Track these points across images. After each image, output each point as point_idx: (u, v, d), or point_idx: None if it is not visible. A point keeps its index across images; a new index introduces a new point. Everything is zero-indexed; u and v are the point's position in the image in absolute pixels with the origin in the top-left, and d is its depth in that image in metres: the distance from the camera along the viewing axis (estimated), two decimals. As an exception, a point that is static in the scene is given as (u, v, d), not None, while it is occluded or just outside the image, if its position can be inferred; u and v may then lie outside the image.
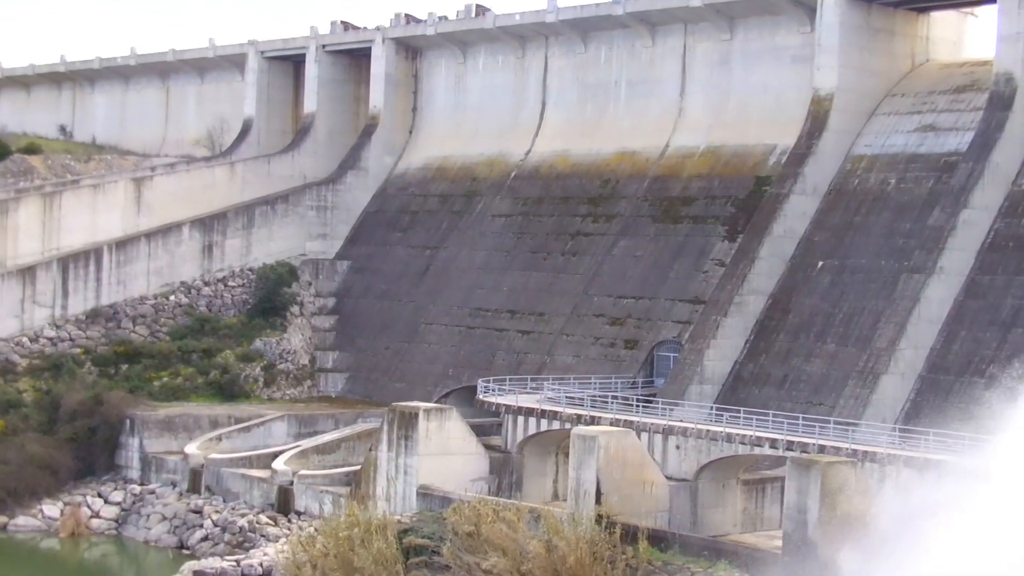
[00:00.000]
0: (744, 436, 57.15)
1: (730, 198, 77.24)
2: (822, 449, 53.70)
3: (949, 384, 61.57)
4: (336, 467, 69.65)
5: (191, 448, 73.46)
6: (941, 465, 48.07)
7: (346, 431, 75.07)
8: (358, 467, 66.12)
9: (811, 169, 72.81)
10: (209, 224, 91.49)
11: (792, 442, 55.19)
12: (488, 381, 70.57)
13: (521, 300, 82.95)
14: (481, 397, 69.15)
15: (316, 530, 54.63)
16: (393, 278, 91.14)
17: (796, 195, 72.34)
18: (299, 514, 66.17)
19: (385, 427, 63.34)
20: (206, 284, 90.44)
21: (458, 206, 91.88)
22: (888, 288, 66.18)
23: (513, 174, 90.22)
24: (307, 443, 73.26)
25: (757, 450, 57.02)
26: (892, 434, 55.94)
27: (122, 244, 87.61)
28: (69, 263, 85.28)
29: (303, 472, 68.24)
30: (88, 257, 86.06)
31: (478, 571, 50.26)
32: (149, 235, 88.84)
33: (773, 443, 55.95)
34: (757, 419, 57.77)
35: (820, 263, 70.65)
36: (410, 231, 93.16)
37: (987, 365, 60.94)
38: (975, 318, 63.21)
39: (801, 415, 58.14)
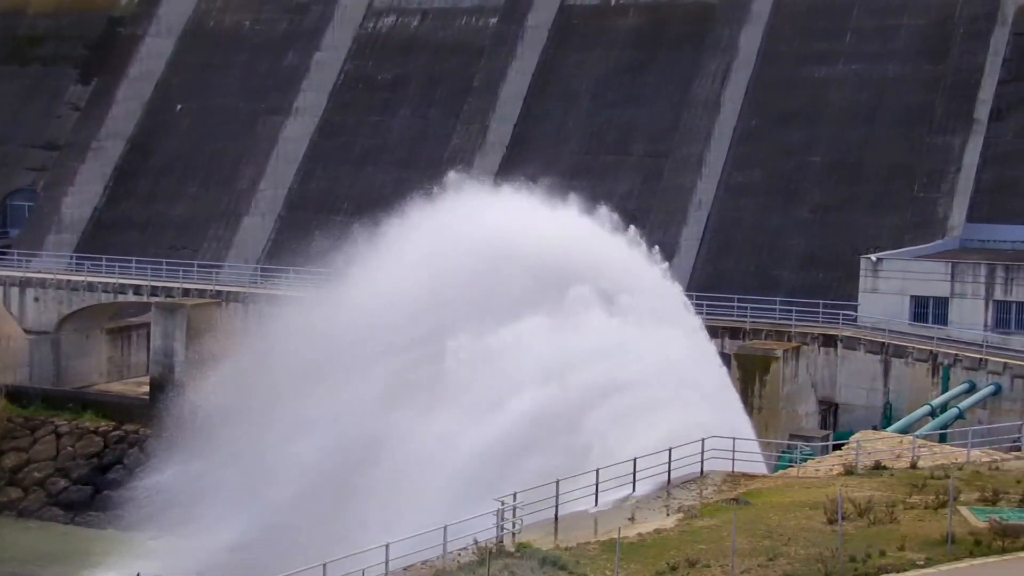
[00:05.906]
0: (107, 284, 56.58)
1: (81, 38, 74.38)
2: (187, 292, 54.22)
3: (307, 221, 63.63)
4: None
5: None
6: (300, 301, 49.80)
7: None
8: None
9: (165, 9, 71.57)
10: None
11: (157, 287, 55.38)
12: None
13: None
14: None
15: None
16: None
17: (151, 36, 71.08)
18: None
19: None
20: None
21: None
22: (248, 129, 66.84)
23: None
24: None
25: (121, 297, 56.70)
26: (254, 274, 57.37)
27: None
28: None
29: None
30: None
31: None
32: None
33: (137, 289, 55.88)
34: (120, 266, 57.36)
35: (180, 105, 70.03)
36: None
37: (343, 202, 63.50)
38: (330, 157, 65.50)
39: (165, 260, 58.27)
